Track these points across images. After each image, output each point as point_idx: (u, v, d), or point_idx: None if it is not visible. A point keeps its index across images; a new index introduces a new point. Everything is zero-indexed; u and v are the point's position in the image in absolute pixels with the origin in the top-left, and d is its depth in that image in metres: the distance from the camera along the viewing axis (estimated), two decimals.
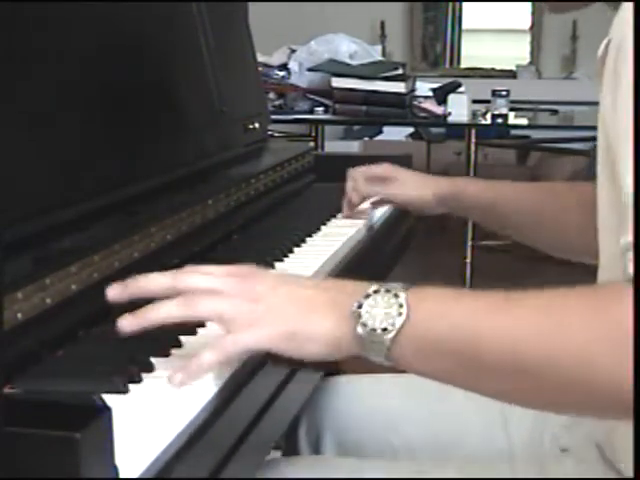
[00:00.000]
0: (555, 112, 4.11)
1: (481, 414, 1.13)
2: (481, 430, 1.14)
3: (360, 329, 0.75)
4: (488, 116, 3.62)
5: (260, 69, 2.45)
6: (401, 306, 0.74)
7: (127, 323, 0.76)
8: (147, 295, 0.78)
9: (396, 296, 0.75)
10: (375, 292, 0.76)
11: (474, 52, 6.06)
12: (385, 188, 1.39)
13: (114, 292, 0.78)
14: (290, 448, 1.23)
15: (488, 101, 3.62)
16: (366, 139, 5.21)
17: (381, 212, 1.49)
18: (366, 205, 1.43)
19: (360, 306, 0.75)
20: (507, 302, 0.75)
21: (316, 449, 1.21)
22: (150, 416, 0.71)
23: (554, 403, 0.76)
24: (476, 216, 1.41)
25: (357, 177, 1.40)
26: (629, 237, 0.72)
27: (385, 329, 0.74)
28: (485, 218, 1.36)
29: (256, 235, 1.29)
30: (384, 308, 0.75)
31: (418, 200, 1.37)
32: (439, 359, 0.75)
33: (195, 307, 0.77)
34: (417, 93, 3.62)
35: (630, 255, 0.71)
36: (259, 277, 0.80)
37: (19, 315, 0.78)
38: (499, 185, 1.33)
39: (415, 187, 1.38)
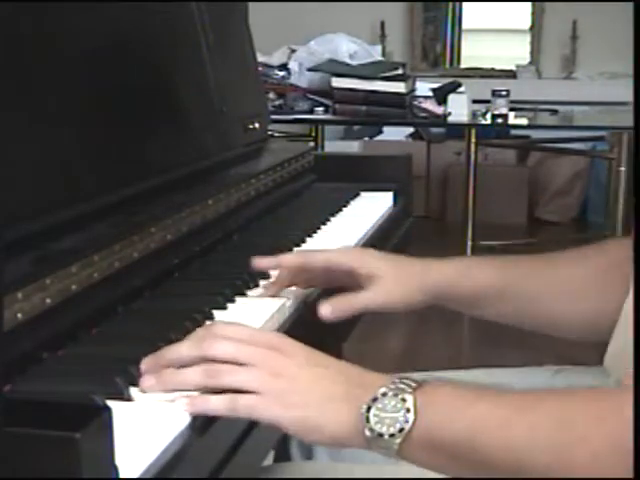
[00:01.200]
0: (555, 112, 4.11)
1: None
2: None
3: (368, 433, 0.75)
4: (488, 116, 3.62)
5: (260, 69, 2.45)
6: (408, 411, 0.75)
7: (149, 385, 0.76)
8: (177, 365, 0.78)
9: (403, 400, 0.75)
10: (383, 395, 0.76)
11: (474, 52, 6.05)
12: (358, 294, 1.03)
13: (148, 365, 0.78)
14: (282, 455, 1.22)
15: (488, 101, 3.62)
16: (366, 139, 5.21)
17: (380, 215, 1.49)
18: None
19: (369, 409, 0.75)
20: (515, 415, 0.75)
21: (308, 456, 1.20)
22: (150, 416, 0.71)
23: None
24: (471, 310, 1.11)
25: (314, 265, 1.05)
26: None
27: (392, 435, 0.75)
28: (483, 312, 1.10)
29: (256, 235, 1.29)
30: (391, 413, 0.75)
31: (404, 303, 1.06)
32: (447, 462, 0.76)
33: (219, 379, 0.77)
34: (417, 93, 3.62)
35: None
36: (286, 353, 0.80)
37: (19, 315, 0.78)
38: (502, 270, 1.08)
39: (399, 288, 1.04)
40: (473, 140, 3.79)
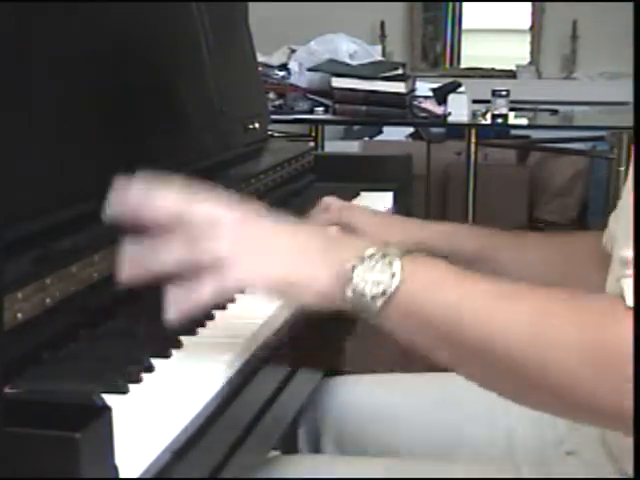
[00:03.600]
0: (555, 112, 4.11)
1: (483, 415, 1.13)
2: (483, 431, 1.13)
3: (350, 292, 0.75)
4: (488, 116, 3.62)
5: (260, 69, 2.45)
6: (394, 275, 0.74)
7: (130, 273, 0.76)
8: (147, 216, 0.76)
9: (390, 263, 0.74)
10: (370, 256, 0.75)
11: (474, 52, 6.05)
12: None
13: (115, 201, 0.77)
14: (289, 448, 1.23)
15: (488, 101, 3.62)
16: (366, 139, 5.21)
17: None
18: None
19: (353, 268, 0.75)
20: (502, 295, 0.75)
21: (315, 449, 1.21)
22: (150, 416, 0.71)
23: (533, 402, 0.77)
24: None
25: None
26: (627, 252, 0.72)
27: (374, 296, 0.74)
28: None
29: None
30: (377, 274, 0.74)
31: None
32: (423, 333, 0.76)
33: (199, 249, 0.76)
34: (417, 93, 3.61)
35: (629, 282, 0.70)
36: (261, 221, 0.80)
37: (19, 315, 0.78)
38: (489, 235, 1.15)
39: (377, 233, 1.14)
40: (473, 140, 3.78)
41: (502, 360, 0.72)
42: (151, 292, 1.00)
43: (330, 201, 1.19)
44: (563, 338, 0.71)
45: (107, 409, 0.62)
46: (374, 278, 0.74)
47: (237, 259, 0.76)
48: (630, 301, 0.69)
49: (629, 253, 0.71)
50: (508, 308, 0.73)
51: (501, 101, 3.55)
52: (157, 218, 0.77)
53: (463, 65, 6.04)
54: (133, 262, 0.77)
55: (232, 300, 0.99)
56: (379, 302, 0.74)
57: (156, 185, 0.78)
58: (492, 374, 0.75)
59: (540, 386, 0.72)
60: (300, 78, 3.65)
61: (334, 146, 4.73)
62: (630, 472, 0.90)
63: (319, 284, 0.77)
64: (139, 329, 0.90)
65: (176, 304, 0.76)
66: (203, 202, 0.79)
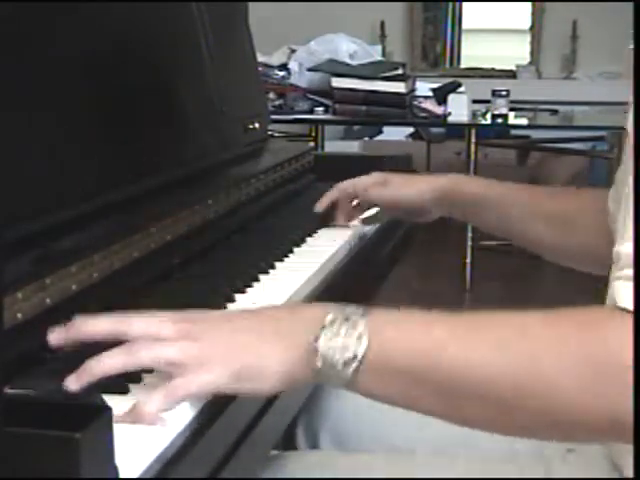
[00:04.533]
0: (555, 112, 4.11)
1: None
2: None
3: (319, 363, 0.72)
4: (488, 116, 3.62)
5: (260, 69, 2.45)
6: (360, 336, 0.71)
7: (73, 382, 0.71)
8: (88, 340, 0.74)
9: (354, 325, 0.72)
10: (332, 322, 0.72)
11: (474, 52, 6.06)
12: (380, 192, 1.32)
13: (55, 337, 0.75)
14: (288, 447, 1.23)
15: (488, 101, 3.63)
16: (366, 139, 5.21)
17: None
18: (355, 222, 1.37)
19: (316, 339, 0.72)
20: (476, 328, 0.73)
21: (314, 447, 1.21)
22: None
23: (524, 431, 0.75)
24: (475, 215, 1.29)
25: (346, 187, 1.34)
26: (624, 248, 0.71)
27: (346, 362, 0.71)
28: (485, 218, 1.27)
29: (256, 235, 1.29)
30: (343, 338, 0.71)
31: (415, 201, 1.30)
32: (402, 388, 0.73)
33: (139, 355, 0.72)
34: (417, 93, 3.62)
35: (627, 284, 0.69)
36: (202, 316, 0.77)
37: (19, 315, 0.78)
38: (502, 184, 1.26)
39: (410, 188, 1.30)
40: (473, 140, 3.78)
41: (488, 392, 0.70)
42: (151, 293, 1.00)
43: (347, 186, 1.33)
44: (545, 352, 0.69)
45: (107, 409, 0.62)
46: (341, 344, 0.71)
47: (185, 362, 0.72)
48: (625, 302, 0.68)
49: (623, 248, 0.71)
50: (480, 337, 0.72)
51: (501, 101, 3.56)
52: (97, 336, 0.74)
53: (463, 65, 6.04)
54: (76, 375, 0.72)
55: (232, 300, 0.99)
56: (352, 367, 0.71)
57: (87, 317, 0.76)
58: (483, 411, 0.73)
59: (532, 409, 0.70)
60: (300, 78, 3.65)
61: (334, 146, 4.73)
62: (627, 472, 0.90)
63: (284, 364, 0.73)
64: None
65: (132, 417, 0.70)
66: (140, 317, 0.76)
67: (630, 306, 0.68)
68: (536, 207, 1.20)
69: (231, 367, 0.72)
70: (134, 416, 0.69)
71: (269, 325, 0.75)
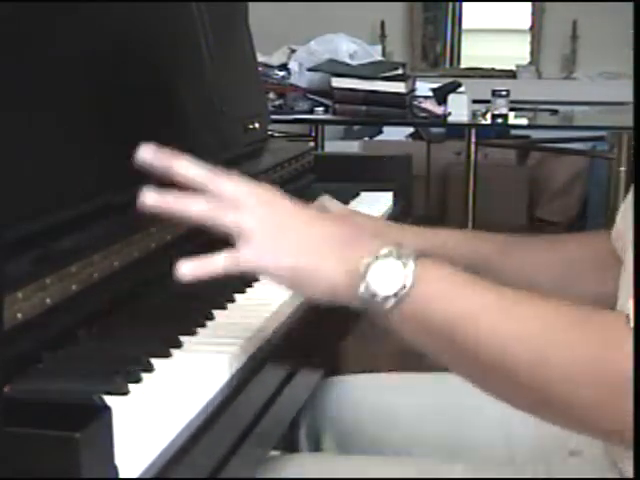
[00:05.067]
0: (555, 112, 4.11)
1: (483, 413, 1.13)
2: (483, 430, 1.13)
3: (363, 290, 0.74)
4: (488, 116, 3.62)
5: (260, 69, 2.45)
6: (407, 277, 0.74)
7: (150, 199, 0.79)
8: (176, 176, 0.80)
9: (404, 265, 0.74)
10: (385, 255, 0.75)
11: (474, 52, 6.05)
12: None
13: (148, 154, 0.81)
14: (290, 448, 1.23)
15: (488, 101, 3.62)
16: (366, 139, 5.21)
17: (380, 215, 1.49)
18: None
19: (368, 266, 0.75)
20: (512, 308, 0.74)
21: (315, 449, 1.21)
22: (150, 416, 0.71)
23: (535, 412, 0.77)
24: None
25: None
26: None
27: (386, 297, 0.74)
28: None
29: None
30: (390, 275, 0.74)
31: None
32: (429, 338, 0.76)
33: (224, 213, 0.78)
34: (417, 93, 3.61)
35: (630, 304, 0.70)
36: (283, 204, 0.81)
37: (19, 315, 0.78)
38: (481, 242, 1.13)
39: None
40: (473, 140, 3.78)
41: (509, 371, 0.72)
42: (151, 293, 1.00)
43: (328, 203, 1.14)
44: (567, 353, 0.71)
45: (107, 409, 0.62)
46: (387, 278, 0.74)
47: (255, 236, 0.77)
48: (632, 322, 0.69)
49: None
50: (514, 318, 0.73)
51: (501, 101, 3.55)
52: (185, 178, 0.79)
53: (463, 65, 6.04)
54: (160, 197, 0.79)
55: (232, 300, 0.99)
56: (390, 303, 0.74)
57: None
58: (499, 383, 0.75)
59: (546, 398, 0.72)
60: (300, 78, 3.65)
61: (334, 146, 4.73)
62: (628, 473, 0.90)
63: (331, 278, 0.77)
64: (139, 329, 0.90)
65: (190, 266, 0.77)
66: (231, 179, 0.81)
67: None
68: (522, 270, 1.11)
69: (290, 263, 0.77)
70: (197, 266, 0.77)
71: (337, 238, 0.79)
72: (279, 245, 0.77)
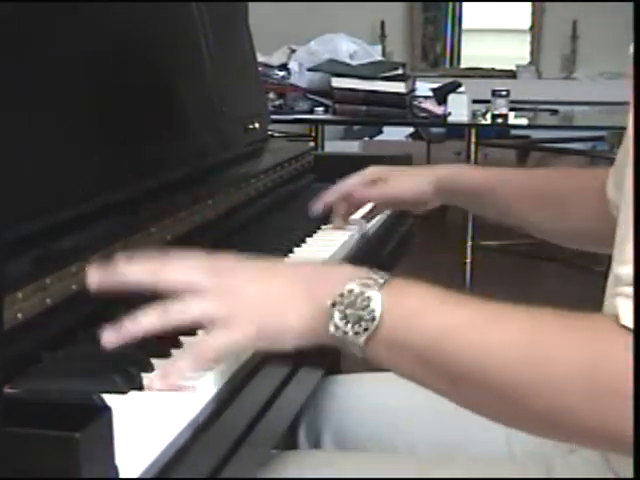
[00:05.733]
0: (555, 112, 4.11)
1: None
2: (483, 429, 1.13)
3: (332, 329, 0.74)
4: (488, 116, 3.62)
5: (260, 69, 2.45)
6: (374, 310, 0.73)
7: (109, 338, 0.75)
8: (126, 287, 0.78)
9: (369, 298, 0.73)
10: (350, 292, 0.74)
11: (474, 52, 6.06)
12: (378, 189, 1.32)
13: (94, 278, 0.79)
14: (290, 448, 1.23)
15: (488, 101, 3.62)
16: (366, 139, 5.21)
17: (376, 218, 1.49)
18: (357, 216, 1.37)
19: (334, 304, 0.74)
20: (491, 317, 0.73)
21: (316, 447, 1.21)
22: (150, 416, 0.71)
23: (525, 426, 0.76)
24: (475, 204, 1.30)
25: (347, 189, 1.32)
26: (622, 269, 0.70)
27: (357, 333, 0.73)
28: (485, 205, 1.27)
29: (256, 235, 1.29)
30: (357, 310, 0.73)
31: (415, 193, 1.30)
32: (412, 365, 0.75)
33: (173, 314, 0.76)
34: (417, 93, 3.62)
35: (623, 301, 0.69)
36: (236, 270, 0.80)
37: (19, 315, 0.78)
38: (500, 171, 1.27)
39: (409, 181, 1.30)
40: (473, 140, 3.78)
41: (495, 383, 0.71)
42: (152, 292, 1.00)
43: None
44: (557, 356, 0.69)
45: (107, 409, 0.62)
46: (354, 314, 0.73)
47: (218, 322, 0.76)
48: (625, 320, 0.68)
49: (623, 271, 0.70)
50: (498, 329, 0.72)
51: (501, 101, 3.55)
52: (135, 286, 0.78)
53: (463, 65, 6.04)
54: (114, 332, 0.76)
55: None
56: (362, 338, 0.73)
57: (123, 261, 0.79)
58: (486, 399, 0.73)
59: (535, 407, 0.70)
60: (300, 78, 3.65)
61: (334, 146, 4.73)
62: (622, 473, 0.90)
63: (299, 326, 0.76)
64: None
65: (162, 378, 0.75)
66: (174, 265, 0.79)
67: (631, 324, 0.68)
68: (534, 192, 1.21)
69: (256, 326, 0.76)
70: (163, 380, 0.74)
71: (297, 284, 0.78)
72: (241, 316, 0.76)
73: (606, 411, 0.68)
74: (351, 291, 0.74)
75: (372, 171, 1.32)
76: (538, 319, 0.73)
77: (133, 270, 0.79)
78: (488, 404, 0.74)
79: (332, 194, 1.32)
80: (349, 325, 0.73)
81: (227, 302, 0.77)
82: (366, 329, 0.73)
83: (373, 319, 0.73)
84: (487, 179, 1.25)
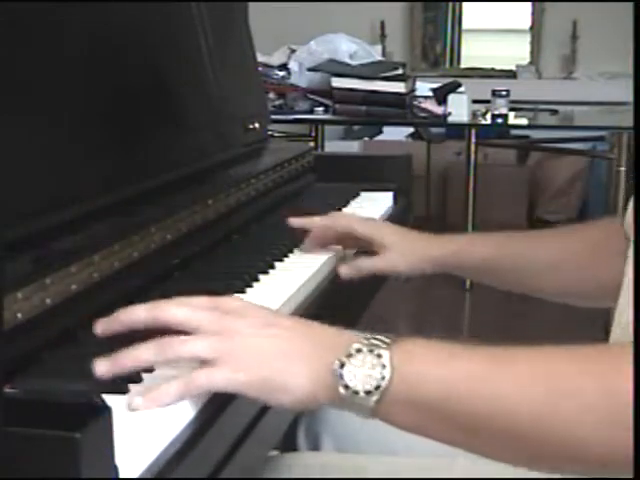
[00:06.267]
0: (555, 112, 4.11)
1: None
2: None
3: (342, 390, 0.73)
4: (488, 116, 3.62)
5: (260, 69, 2.45)
6: (384, 367, 0.72)
7: (104, 369, 0.74)
8: (130, 328, 0.77)
9: (379, 356, 0.73)
10: (357, 351, 0.73)
11: (474, 52, 6.06)
12: (368, 259, 1.20)
13: (101, 327, 0.78)
14: (289, 448, 1.23)
15: (488, 101, 3.62)
16: (366, 139, 5.21)
17: (380, 215, 1.49)
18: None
19: (342, 365, 0.73)
20: (499, 362, 0.73)
21: (315, 449, 1.21)
22: (150, 416, 0.71)
23: (544, 465, 0.75)
24: (483, 277, 1.23)
25: (340, 225, 1.21)
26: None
27: (368, 392, 0.73)
28: (496, 279, 1.21)
29: (256, 235, 1.29)
30: (367, 369, 0.73)
31: (408, 271, 1.21)
32: (426, 420, 0.74)
33: (171, 351, 0.75)
34: (417, 93, 3.61)
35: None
36: (240, 314, 0.78)
37: (19, 315, 0.78)
38: (511, 239, 1.20)
39: (405, 256, 1.19)
40: (473, 140, 3.78)
41: (511, 429, 0.71)
42: (150, 293, 1.00)
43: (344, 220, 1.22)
44: (573, 388, 0.69)
45: (107, 409, 0.62)
46: (365, 373, 0.73)
47: (216, 362, 0.74)
48: None
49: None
50: (509, 375, 0.72)
51: (501, 101, 3.55)
52: (138, 324, 0.77)
53: (463, 65, 6.04)
54: (111, 363, 0.75)
55: None
56: (374, 397, 0.73)
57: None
58: (503, 446, 0.73)
59: (551, 444, 0.70)
60: (300, 78, 3.65)
61: (334, 146, 4.73)
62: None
63: (302, 384, 0.75)
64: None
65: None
66: (179, 304, 0.78)
67: None
68: (550, 259, 1.16)
69: (256, 375, 0.75)
70: (149, 399, 0.71)
71: (303, 341, 0.77)
72: (242, 361, 0.75)
73: (618, 439, 0.68)
74: (359, 350, 0.74)
75: (374, 226, 1.23)
76: (544, 357, 0.73)
77: (133, 311, 0.78)
78: (505, 450, 0.74)
79: (326, 222, 1.22)
80: (360, 385, 0.72)
81: (230, 346, 0.75)
82: (377, 387, 0.72)
83: (384, 377, 0.72)
84: (498, 254, 1.18)
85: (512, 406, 0.71)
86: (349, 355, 0.73)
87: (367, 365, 0.73)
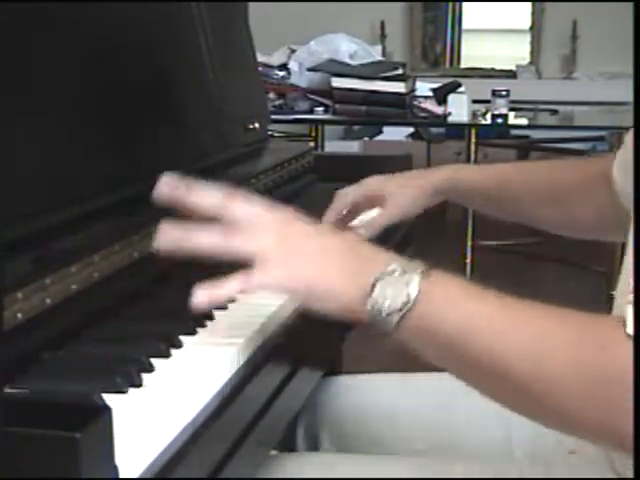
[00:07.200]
0: (555, 112, 4.11)
1: (482, 414, 1.13)
2: (482, 430, 1.13)
3: (369, 307, 0.77)
4: (488, 116, 3.62)
5: (260, 69, 2.45)
6: (410, 294, 0.76)
7: (166, 239, 0.82)
8: (191, 206, 0.82)
9: (409, 280, 0.76)
10: (391, 272, 0.77)
11: (474, 52, 6.06)
12: (377, 219, 1.26)
13: (164, 186, 0.83)
14: (288, 448, 1.23)
15: (488, 101, 3.62)
16: (366, 139, 5.21)
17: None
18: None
19: (375, 282, 0.77)
20: (507, 317, 0.76)
21: (314, 449, 1.21)
22: (150, 416, 0.71)
23: (527, 411, 0.78)
24: (478, 204, 1.31)
25: (346, 205, 1.27)
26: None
27: (390, 313, 0.76)
28: (489, 205, 1.27)
29: None
30: (394, 291, 0.76)
31: (414, 211, 1.28)
32: (434, 349, 0.78)
33: (233, 241, 0.80)
34: (417, 93, 3.62)
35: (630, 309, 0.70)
36: (296, 224, 0.84)
37: (19, 315, 0.78)
38: (500, 168, 1.26)
39: (407, 199, 1.26)
40: (473, 140, 3.78)
41: (511, 380, 0.74)
42: (151, 293, 1.00)
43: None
44: (561, 358, 0.72)
45: (107, 409, 0.62)
46: (392, 294, 0.77)
47: (270, 257, 0.80)
48: (630, 328, 0.69)
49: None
50: (511, 330, 0.75)
51: (501, 101, 3.55)
52: (200, 208, 0.82)
53: (463, 65, 6.04)
54: (169, 235, 0.82)
55: (233, 300, 0.99)
56: (395, 318, 0.76)
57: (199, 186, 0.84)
58: (504, 392, 0.77)
59: (548, 405, 0.73)
60: (300, 78, 3.65)
61: (334, 146, 4.73)
62: (623, 472, 0.90)
63: (343, 295, 0.80)
64: (139, 329, 0.90)
65: (205, 293, 0.80)
66: (243, 202, 0.84)
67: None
68: (537, 189, 1.21)
69: (303, 280, 0.81)
70: (207, 294, 0.79)
71: (348, 256, 0.82)
72: (294, 263, 0.81)
73: (605, 410, 0.69)
74: (394, 271, 0.77)
75: (370, 186, 1.27)
76: (551, 317, 0.75)
77: (205, 195, 0.83)
78: (506, 396, 0.77)
79: (332, 214, 1.27)
80: (385, 304, 0.76)
81: (286, 247, 0.81)
82: (400, 310, 0.76)
83: (408, 302, 0.76)
84: (487, 179, 1.24)
85: (508, 359, 0.74)
86: (382, 273, 0.77)
87: (396, 286, 0.77)
